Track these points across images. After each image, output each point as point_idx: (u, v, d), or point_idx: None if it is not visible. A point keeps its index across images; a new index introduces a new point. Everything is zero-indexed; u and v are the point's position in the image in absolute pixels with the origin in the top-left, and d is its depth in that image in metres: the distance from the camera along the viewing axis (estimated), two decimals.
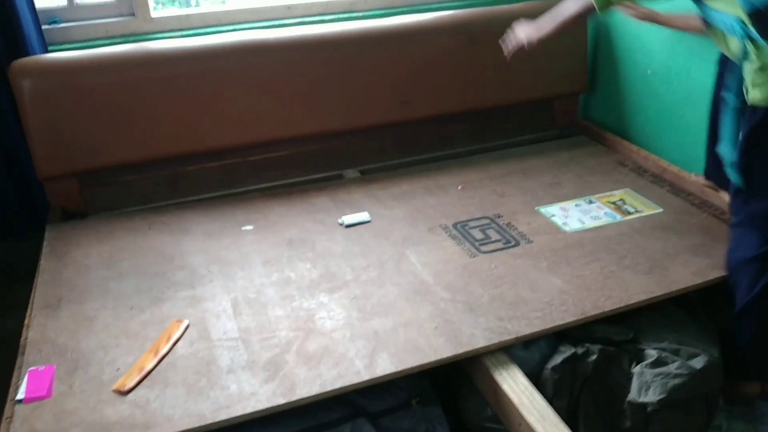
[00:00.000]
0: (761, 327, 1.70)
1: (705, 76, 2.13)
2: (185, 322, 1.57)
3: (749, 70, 1.57)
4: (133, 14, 2.38)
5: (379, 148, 2.54)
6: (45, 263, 1.84)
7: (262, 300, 1.67)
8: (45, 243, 1.95)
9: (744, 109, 1.64)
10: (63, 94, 2.04)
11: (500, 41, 2.07)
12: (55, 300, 1.67)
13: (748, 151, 1.64)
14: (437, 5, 2.66)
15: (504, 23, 2.21)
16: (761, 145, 1.62)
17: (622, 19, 2.42)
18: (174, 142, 2.20)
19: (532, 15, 2.51)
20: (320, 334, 1.53)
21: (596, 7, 1.73)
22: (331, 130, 2.41)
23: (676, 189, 2.18)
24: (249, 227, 2.05)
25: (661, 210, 2.05)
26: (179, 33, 2.41)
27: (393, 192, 2.26)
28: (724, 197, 2.03)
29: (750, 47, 1.55)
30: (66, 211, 2.17)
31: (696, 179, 2.18)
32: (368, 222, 2.06)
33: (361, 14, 2.62)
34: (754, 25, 1.53)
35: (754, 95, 1.58)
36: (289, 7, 2.56)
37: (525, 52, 2.01)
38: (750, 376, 1.80)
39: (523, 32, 1.97)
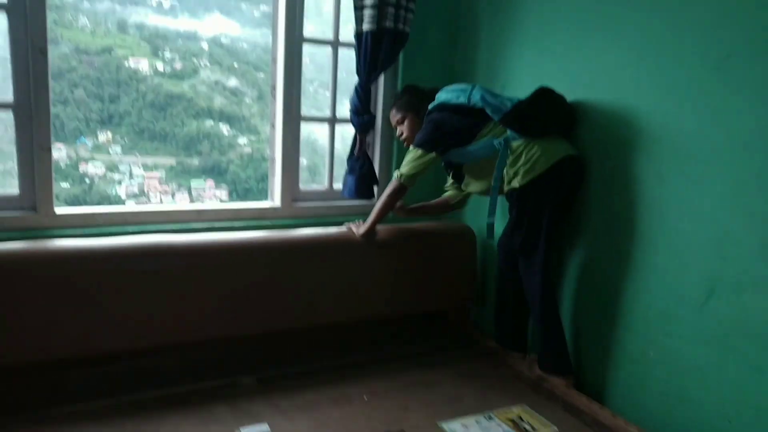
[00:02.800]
0: None
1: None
2: None
3: (508, 169, 2.33)
4: (35, 209, 2.33)
5: (280, 356, 2.50)
6: None
7: None
8: None
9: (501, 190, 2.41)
10: None
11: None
12: None
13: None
14: (342, 218, 2.83)
15: (408, 236, 2.45)
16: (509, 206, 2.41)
17: None
18: (57, 345, 2.06)
19: (437, 235, 2.77)
20: None
21: (401, 180, 2.45)
22: (231, 336, 2.37)
23: (568, 405, 2.29)
24: None
25: (555, 428, 2.12)
26: (83, 230, 2.37)
27: (296, 402, 2.20)
28: (613, 418, 2.17)
29: (508, 148, 2.32)
30: None
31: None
32: None
33: (270, 222, 2.73)
34: (507, 125, 2.31)
35: (514, 182, 2.32)
36: (199, 212, 2.62)
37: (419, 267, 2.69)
38: None
39: (355, 228, 2.60)
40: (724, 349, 1.93)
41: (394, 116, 2.61)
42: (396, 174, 2.50)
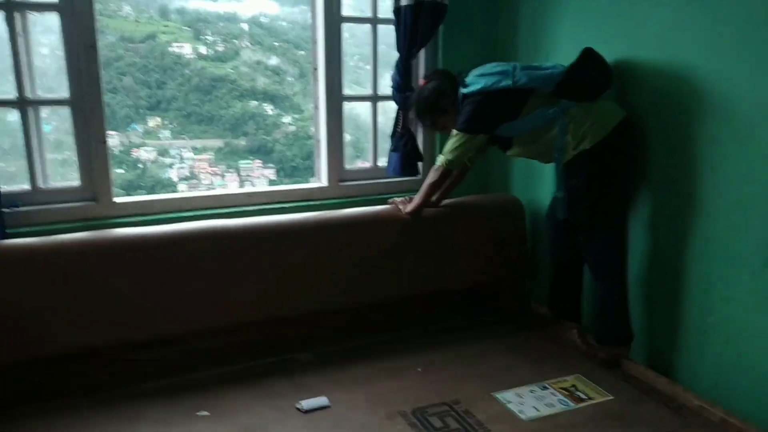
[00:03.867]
0: None
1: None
2: None
3: (573, 134, 2.24)
4: (95, 199, 2.44)
5: (335, 331, 2.57)
6: None
7: None
8: None
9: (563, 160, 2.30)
10: (9, 281, 2.04)
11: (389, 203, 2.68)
12: None
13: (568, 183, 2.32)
14: (388, 195, 2.85)
15: (457, 210, 2.55)
16: (576, 175, 2.28)
17: None
18: (125, 328, 2.17)
19: (485, 209, 2.76)
20: None
21: (446, 166, 2.40)
22: (287, 314, 2.43)
23: (623, 374, 2.29)
24: (205, 413, 2.00)
25: (611, 397, 2.13)
26: (141, 218, 2.47)
27: (352, 374, 2.27)
28: (671, 386, 2.15)
29: (566, 118, 2.24)
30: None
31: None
32: (327, 407, 2.04)
33: (318, 203, 2.78)
34: (562, 95, 2.24)
35: (584, 145, 2.22)
36: (249, 195, 2.69)
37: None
38: None
39: (401, 205, 2.60)
40: None
41: (426, 127, 2.57)
42: (439, 160, 2.43)
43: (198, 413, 1.99)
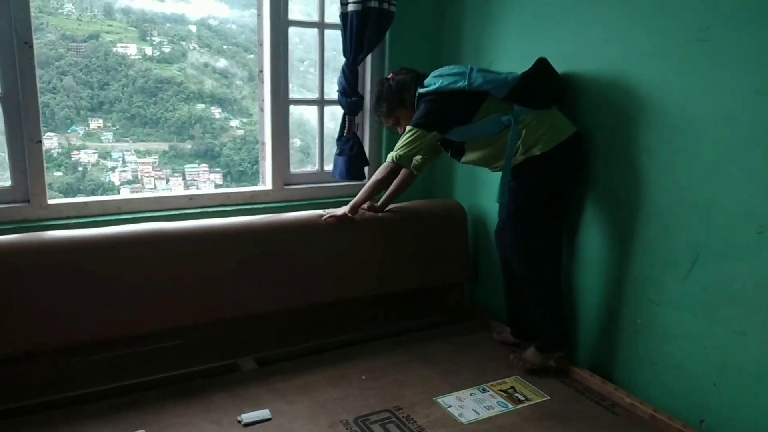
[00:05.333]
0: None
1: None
2: None
3: (525, 139, 2.24)
4: (27, 201, 2.35)
5: (279, 335, 2.55)
6: None
7: None
8: None
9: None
10: None
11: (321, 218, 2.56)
12: None
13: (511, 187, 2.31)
14: (333, 200, 2.86)
15: (401, 215, 2.54)
16: (519, 178, 2.28)
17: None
18: (52, 334, 2.08)
19: (429, 213, 2.79)
20: None
21: (396, 161, 2.39)
22: (229, 318, 2.39)
23: (560, 374, 2.35)
24: None
25: (548, 398, 2.18)
26: (77, 221, 2.39)
27: (295, 383, 2.24)
28: (604, 385, 2.22)
29: (519, 125, 2.25)
30: None
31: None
32: (269, 420, 2.01)
33: (262, 206, 2.75)
34: (515, 101, 2.25)
35: (534, 151, 2.23)
36: (191, 198, 2.64)
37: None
38: None
39: (341, 210, 2.54)
40: (708, 315, 1.97)
41: (386, 122, 2.57)
42: (390, 156, 2.42)
43: None
